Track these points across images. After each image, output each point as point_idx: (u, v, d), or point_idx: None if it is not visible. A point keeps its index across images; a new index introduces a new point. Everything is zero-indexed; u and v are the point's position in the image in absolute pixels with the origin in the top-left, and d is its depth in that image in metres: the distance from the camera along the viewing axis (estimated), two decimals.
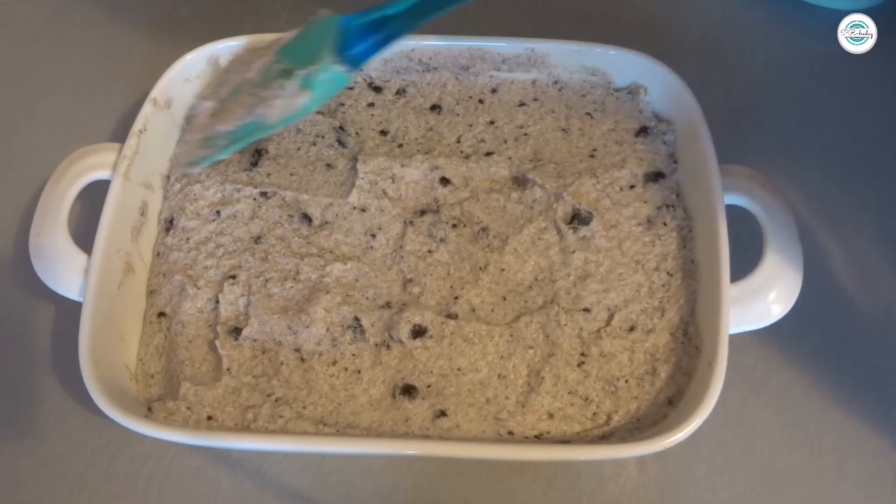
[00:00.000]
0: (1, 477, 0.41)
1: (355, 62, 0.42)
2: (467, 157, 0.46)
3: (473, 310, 0.42)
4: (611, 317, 0.41)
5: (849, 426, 0.42)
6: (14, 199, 0.48)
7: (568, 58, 0.48)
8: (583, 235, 0.43)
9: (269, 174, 0.46)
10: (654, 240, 0.43)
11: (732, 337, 0.38)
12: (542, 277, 0.43)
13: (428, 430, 0.39)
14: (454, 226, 0.44)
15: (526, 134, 0.47)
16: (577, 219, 0.43)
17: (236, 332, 0.41)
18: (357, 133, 0.48)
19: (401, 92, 0.49)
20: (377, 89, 0.49)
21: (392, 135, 0.48)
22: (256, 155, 0.47)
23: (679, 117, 0.46)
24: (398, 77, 0.49)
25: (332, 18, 0.42)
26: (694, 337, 0.40)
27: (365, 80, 0.49)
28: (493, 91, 0.49)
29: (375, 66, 0.49)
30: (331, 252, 0.44)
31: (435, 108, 0.49)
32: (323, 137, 0.48)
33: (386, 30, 0.41)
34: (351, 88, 0.49)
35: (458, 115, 0.48)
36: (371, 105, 0.49)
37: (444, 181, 0.45)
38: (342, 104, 0.49)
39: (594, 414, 0.39)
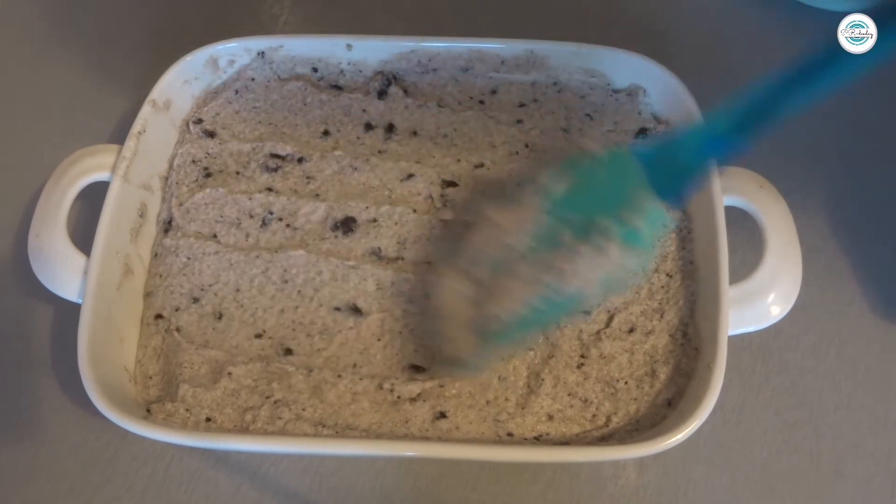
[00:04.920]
0: (0, 478, 0.41)
1: (678, 198, 0.36)
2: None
3: None
4: (610, 318, 0.41)
5: (847, 428, 0.42)
6: (13, 201, 0.48)
7: (567, 59, 0.48)
8: None
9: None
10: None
11: (731, 338, 0.38)
12: None
13: (427, 431, 0.39)
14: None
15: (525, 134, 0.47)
16: None
17: None
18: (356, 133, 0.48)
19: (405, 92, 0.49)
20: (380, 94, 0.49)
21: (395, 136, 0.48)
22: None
23: (678, 119, 0.46)
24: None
25: (625, 154, 0.37)
26: (693, 338, 0.40)
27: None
28: (493, 92, 0.49)
29: (374, 67, 0.49)
30: None
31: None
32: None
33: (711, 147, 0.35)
34: (351, 92, 0.49)
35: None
36: (364, 111, 0.49)
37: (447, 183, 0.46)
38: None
39: (593, 415, 0.39)
